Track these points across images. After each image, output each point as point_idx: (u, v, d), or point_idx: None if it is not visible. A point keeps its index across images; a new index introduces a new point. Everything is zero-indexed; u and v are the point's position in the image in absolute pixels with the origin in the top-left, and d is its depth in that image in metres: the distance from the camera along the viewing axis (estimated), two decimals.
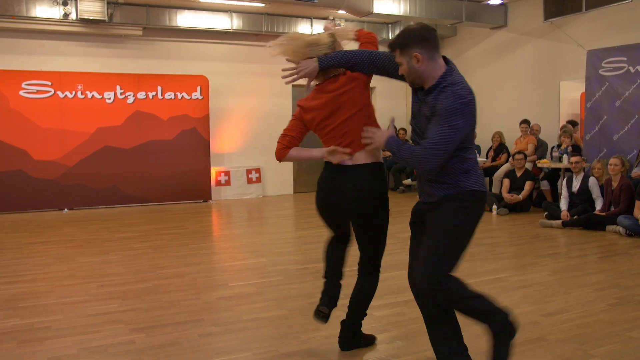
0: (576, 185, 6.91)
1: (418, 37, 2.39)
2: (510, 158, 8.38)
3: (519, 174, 7.96)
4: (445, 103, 2.31)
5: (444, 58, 2.48)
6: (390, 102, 11.48)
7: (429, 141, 2.30)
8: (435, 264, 2.35)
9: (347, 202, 2.69)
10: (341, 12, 9.32)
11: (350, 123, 2.67)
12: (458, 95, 2.32)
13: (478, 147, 9.47)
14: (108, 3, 8.49)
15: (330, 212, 2.82)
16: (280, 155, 2.76)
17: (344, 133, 2.68)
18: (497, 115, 9.88)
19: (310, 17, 10.11)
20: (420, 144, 2.37)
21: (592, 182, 6.78)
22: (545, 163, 8.03)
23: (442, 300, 2.42)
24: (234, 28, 9.56)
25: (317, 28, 10.25)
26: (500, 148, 9.09)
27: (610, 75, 7.52)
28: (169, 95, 9.13)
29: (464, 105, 2.31)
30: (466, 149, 2.40)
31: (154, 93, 9.04)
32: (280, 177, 10.42)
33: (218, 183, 9.73)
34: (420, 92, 2.49)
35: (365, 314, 2.93)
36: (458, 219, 2.39)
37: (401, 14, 8.65)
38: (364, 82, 2.71)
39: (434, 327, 2.52)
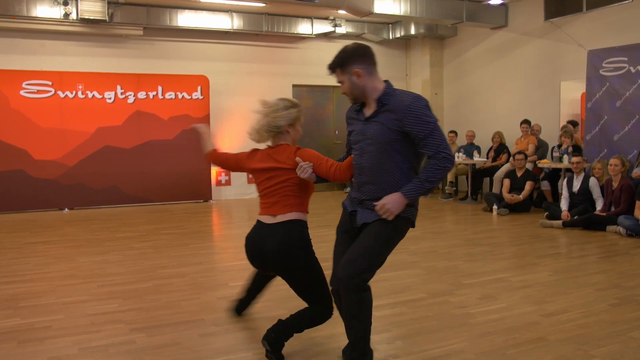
0: (577, 185, 6.90)
1: (356, 54, 2.54)
2: (511, 158, 8.38)
3: (519, 174, 7.96)
4: (404, 101, 2.47)
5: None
6: None
7: (434, 150, 2.44)
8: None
9: (269, 259, 2.84)
10: (342, 12, 9.33)
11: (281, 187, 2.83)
12: (412, 95, 2.52)
13: (478, 148, 9.47)
14: (108, 3, 8.50)
15: (255, 265, 3.01)
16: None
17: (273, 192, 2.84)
18: (498, 116, 9.88)
19: (310, 17, 10.11)
20: (428, 158, 2.49)
21: (593, 182, 6.77)
22: (545, 163, 8.03)
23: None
24: (234, 28, 9.56)
25: (318, 28, 10.26)
26: (500, 148, 9.09)
27: (611, 76, 7.52)
28: (170, 95, 9.13)
29: (426, 104, 2.51)
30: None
31: (154, 93, 9.04)
32: None
33: (218, 183, 9.73)
34: (361, 114, 2.61)
35: (291, 334, 2.83)
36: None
37: (402, 13, 8.64)
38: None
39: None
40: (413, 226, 2.64)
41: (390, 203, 2.46)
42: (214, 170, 9.66)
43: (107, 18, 8.47)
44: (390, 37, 10.96)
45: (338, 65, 2.54)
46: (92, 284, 4.35)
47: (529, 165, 8.21)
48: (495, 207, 7.78)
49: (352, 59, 2.52)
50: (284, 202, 2.81)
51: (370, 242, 2.50)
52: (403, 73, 11.66)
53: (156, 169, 9.07)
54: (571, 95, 8.90)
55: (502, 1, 9.17)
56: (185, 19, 9.23)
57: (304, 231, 2.84)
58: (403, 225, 2.57)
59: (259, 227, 2.88)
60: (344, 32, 10.39)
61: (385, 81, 2.60)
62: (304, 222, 2.85)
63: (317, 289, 2.83)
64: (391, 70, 11.48)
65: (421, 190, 2.45)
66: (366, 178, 2.57)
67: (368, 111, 2.58)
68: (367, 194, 2.57)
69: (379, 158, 2.51)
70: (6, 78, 8.23)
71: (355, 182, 2.65)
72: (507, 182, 8.01)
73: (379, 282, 3.79)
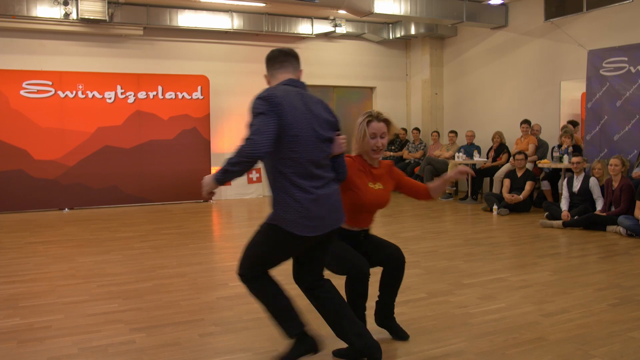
0: (577, 185, 6.90)
1: (266, 59, 2.69)
2: (511, 158, 8.38)
3: (519, 174, 7.96)
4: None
5: (293, 80, 2.66)
6: (391, 101, 11.49)
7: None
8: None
9: None
10: (342, 12, 9.33)
11: None
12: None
13: (478, 148, 9.47)
14: (109, 3, 8.50)
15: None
16: None
17: None
18: (498, 115, 9.88)
19: (310, 17, 10.12)
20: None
21: (593, 182, 6.77)
22: (545, 163, 8.03)
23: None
24: (234, 28, 9.57)
25: (318, 28, 10.26)
26: (500, 148, 9.09)
27: (611, 75, 7.52)
28: (170, 95, 9.13)
29: (255, 100, 2.46)
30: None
31: (154, 93, 9.05)
32: None
33: None
34: None
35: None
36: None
37: (402, 13, 8.64)
38: None
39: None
40: (289, 234, 2.49)
41: (204, 181, 2.52)
42: (214, 169, 9.63)
43: (107, 18, 8.47)
44: (391, 37, 10.96)
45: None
46: (92, 283, 4.35)
47: (529, 165, 8.21)
48: (495, 207, 7.78)
49: (266, 64, 2.69)
50: None
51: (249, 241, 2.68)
52: (403, 73, 11.66)
53: (156, 169, 9.08)
54: (571, 95, 8.90)
55: (502, 1, 9.17)
56: (185, 19, 9.23)
57: None
58: (268, 230, 2.56)
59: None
60: (344, 32, 10.39)
61: (285, 81, 2.62)
62: None
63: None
64: (391, 70, 11.50)
65: (222, 170, 2.42)
66: None
67: None
68: None
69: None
70: (6, 78, 8.23)
71: None
72: (507, 182, 8.01)
73: (379, 282, 3.79)
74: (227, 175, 2.39)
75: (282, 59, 2.66)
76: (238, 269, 2.70)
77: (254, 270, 2.65)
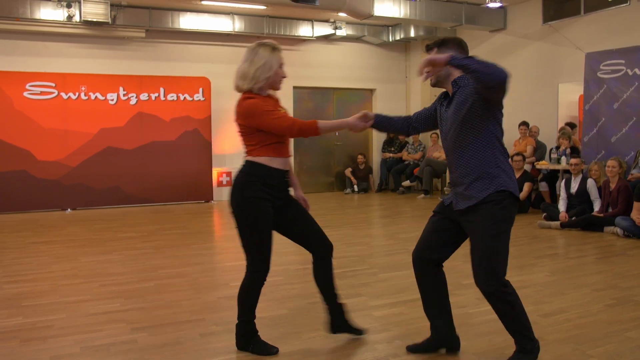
0: (574, 186, 6.94)
1: (454, 43, 2.74)
2: (509, 160, 8.41)
3: (517, 175, 7.99)
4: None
5: None
6: (390, 103, 11.52)
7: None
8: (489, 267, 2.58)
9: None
10: (342, 14, 9.37)
11: None
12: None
13: None
14: (111, 5, 8.55)
15: None
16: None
17: None
18: None
19: (311, 20, 10.16)
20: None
21: (591, 183, 6.81)
22: (543, 165, 8.07)
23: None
24: (235, 30, 9.61)
25: (318, 30, 10.30)
26: None
27: (609, 78, 7.56)
28: (171, 96, 9.18)
29: None
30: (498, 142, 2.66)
31: (156, 94, 9.09)
32: None
33: (219, 184, 9.77)
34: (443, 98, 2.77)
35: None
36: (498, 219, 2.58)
37: (401, 16, 8.69)
38: None
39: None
40: (517, 200, 2.64)
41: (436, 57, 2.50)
42: (215, 171, 9.70)
43: (109, 20, 8.51)
44: (390, 40, 11.00)
45: (437, 44, 2.71)
46: (94, 283, 4.38)
47: (527, 167, 8.24)
48: None
49: (450, 45, 2.68)
50: None
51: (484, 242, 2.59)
52: (402, 75, 11.70)
53: (158, 169, 9.12)
54: (569, 97, 8.94)
55: (500, 4, 9.21)
56: (187, 22, 9.28)
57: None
58: (506, 211, 2.61)
59: None
60: (344, 34, 10.44)
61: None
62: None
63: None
64: (391, 72, 11.53)
65: (468, 59, 2.41)
66: (449, 159, 2.74)
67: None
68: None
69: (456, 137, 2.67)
70: (10, 79, 8.28)
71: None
72: None
73: (378, 282, 3.84)
74: (469, 63, 2.36)
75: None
76: (494, 282, 2.58)
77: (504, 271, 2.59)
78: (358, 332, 3.11)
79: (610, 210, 6.52)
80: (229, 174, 9.84)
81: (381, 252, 5.57)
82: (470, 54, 2.64)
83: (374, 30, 10.86)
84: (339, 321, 3.06)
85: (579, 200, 6.85)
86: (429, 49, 2.76)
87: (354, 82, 11.19)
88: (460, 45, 2.71)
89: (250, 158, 2.87)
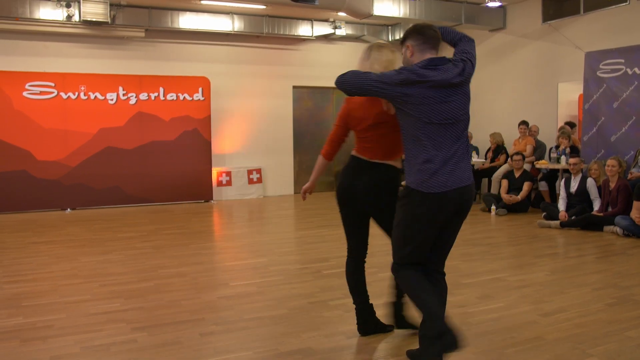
0: (574, 186, 6.95)
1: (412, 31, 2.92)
2: (509, 159, 8.42)
3: (517, 174, 8.00)
4: None
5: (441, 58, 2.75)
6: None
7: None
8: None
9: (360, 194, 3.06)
10: (341, 14, 9.37)
11: None
12: None
13: (476, 149, 9.51)
14: (111, 5, 8.54)
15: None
16: None
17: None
18: (496, 117, 9.92)
19: (310, 19, 10.16)
20: None
21: (590, 182, 6.82)
22: (543, 164, 8.07)
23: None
24: (235, 30, 9.61)
25: (318, 30, 10.30)
26: (498, 149, 9.13)
27: (608, 77, 7.56)
28: (171, 96, 9.18)
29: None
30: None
31: (156, 94, 9.09)
32: (281, 178, 10.46)
33: (219, 183, 9.77)
34: None
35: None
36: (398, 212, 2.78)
37: (401, 16, 8.69)
38: None
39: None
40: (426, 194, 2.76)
41: None
42: (215, 170, 9.71)
43: (109, 20, 8.51)
44: (390, 39, 11.00)
45: (401, 42, 2.92)
46: (94, 283, 4.39)
47: (526, 166, 8.25)
48: (493, 207, 7.82)
49: (410, 37, 2.86)
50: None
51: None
52: None
53: (158, 169, 9.12)
54: (569, 96, 8.94)
55: (500, 3, 9.22)
56: (187, 21, 9.28)
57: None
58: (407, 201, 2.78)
59: None
60: (344, 34, 10.43)
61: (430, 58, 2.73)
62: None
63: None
64: None
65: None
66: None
67: None
68: None
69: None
70: (9, 79, 8.28)
71: None
72: (505, 182, 8.06)
73: (379, 282, 3.83)
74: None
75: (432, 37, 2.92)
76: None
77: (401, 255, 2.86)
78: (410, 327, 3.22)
79: (609, 209, 6.53)
80: (228, 173, 9.84)
81: (381, 252, 5.58)
82: None
83: (374, 30, 10.86)
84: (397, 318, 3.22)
85: (579, 200, 6.85)
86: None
87: None
88: (421, 32, 2.80)
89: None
